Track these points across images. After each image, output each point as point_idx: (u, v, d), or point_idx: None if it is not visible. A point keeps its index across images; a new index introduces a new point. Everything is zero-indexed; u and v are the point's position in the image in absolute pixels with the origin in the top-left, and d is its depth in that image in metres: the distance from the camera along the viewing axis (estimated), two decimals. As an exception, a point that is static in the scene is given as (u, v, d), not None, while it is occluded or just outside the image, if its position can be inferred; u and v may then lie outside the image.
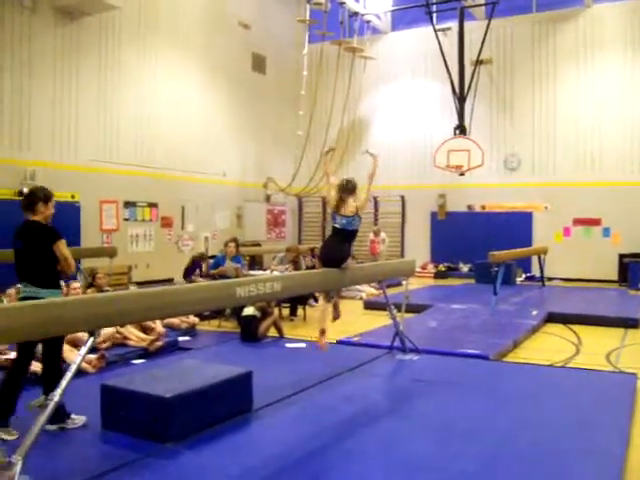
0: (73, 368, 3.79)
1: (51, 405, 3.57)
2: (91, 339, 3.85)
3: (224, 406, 5.17)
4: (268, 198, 21.24)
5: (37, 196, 5.15)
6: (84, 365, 6.39)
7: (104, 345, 7.44)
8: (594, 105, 18.75)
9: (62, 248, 5.07)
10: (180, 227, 17.63)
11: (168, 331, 8.83)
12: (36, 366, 6.46)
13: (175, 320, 9.07)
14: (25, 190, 4.98)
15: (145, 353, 7.69)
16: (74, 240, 13.96)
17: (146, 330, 8.18)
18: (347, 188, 6.56)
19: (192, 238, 17.97)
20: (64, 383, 3.68)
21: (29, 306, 3.58)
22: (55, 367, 4.95)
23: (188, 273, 12.77)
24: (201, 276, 12.28)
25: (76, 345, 6.86)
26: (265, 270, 13.15)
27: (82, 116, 14.79)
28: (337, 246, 6.56)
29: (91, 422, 5.03)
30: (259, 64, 20.94)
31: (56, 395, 3.61)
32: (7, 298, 8.22)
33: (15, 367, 4.93)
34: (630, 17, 18.32)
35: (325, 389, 6.28)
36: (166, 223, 17.09)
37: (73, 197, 14.28)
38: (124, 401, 4.90)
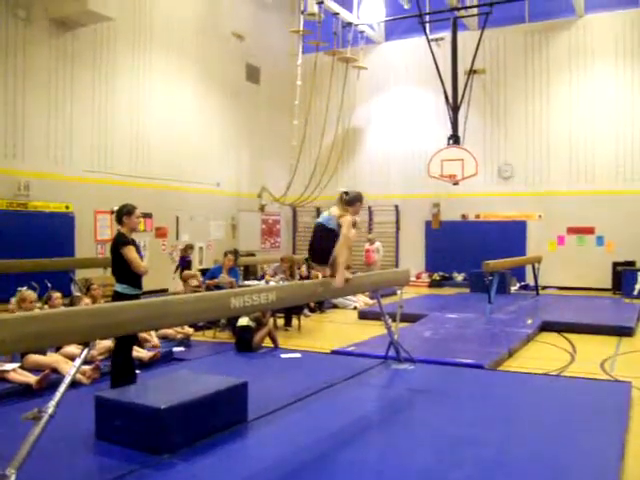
0: (67, 380, 3.78)
1: (45, 417, 3.56)
2: (85, 350, 3.84)
3: (219, 417, 5.15)
4: (262, 208, 21.24)
5: (122, 211, 6.28)
6: (78, 376, 6.37)
7: (99, 357, 7.42)
8: (587, 114, 18.85)
9: (126, 253, 6.09)
10: (174, 237, 17.62)
11: (162, 342, 8.83)
12: (29, 377, 6.46)
13: (170, 331, 9.07)
14: (115, 208, 6.41)
15: (140, 364, 7.66)
16: (68, 250, 13.95)
17: (140, 342, 8.17)
18: (345, 201, 6.47)
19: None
20: (58, 395, 3.67)
21: (25, 317, 3.57)
22: (119, 364, 6.13)
23: (181, 269, 13.32)
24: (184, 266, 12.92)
25: (72, 357, 6.87)
26: (260, 280, 13.15)
27: (76, 126, 14.79)
28: (317, 242, 6.46)
29: (85, 433, 5.01)
30: (253, 74, 20.99)
31: (50, 407, 3.60)
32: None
33: (118, 349, 6.19)
34: (622, 27, 18.45)
35: (320, 399, 6.27)
36: (160, 233, 17.07)
37: (67, 207, 14.26)
38: (118, 412, 4.88)
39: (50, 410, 3.63)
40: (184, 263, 13.61)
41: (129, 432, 4.76)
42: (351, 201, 6.50)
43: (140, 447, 4.67)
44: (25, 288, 7.94)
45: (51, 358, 6.99)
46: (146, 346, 8.37)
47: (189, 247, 14.18)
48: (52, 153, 14.26)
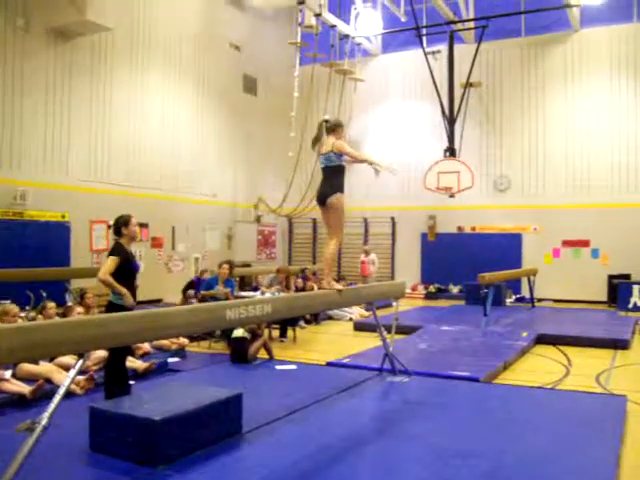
0: (62, 391, 3.76)
1: (39, 429, 3.54)
2: (80, 361, 3.83)
3: (213, 429, 5.13)
4: (259, 219, 21.26)
5: (119, 222, 6.33)
6: (72, 387, 6.34)
7: (94, 367, 7.39)
8: (582, 127, 18.96)
9: (107, 261, 6.14)
10: (170, 247, 17.60)
11: (157, 352, 8.81)
12: (23, 387, 6.43)
13: (165, 341, 9.03)
14: (111, 222, 6.62)
15: (134, 375, 7.64)
16: (63, 260, 13.93)
17: (132, 349, 8.13)
18: (326, 127, 6.75)
19: (182, 259, 17.93)
20: (52, 406, 3.65)
21: (16, 329, 3.55)
22: (113, 375, 6.13)
23: (188, 289, 12.95)
24: (195, 296, 12.24)
25: (66, 367, 6.84)
26: (256, 291, 13.12)
27: (73, 136, 14.81)
28: (321, 183, 6.74)
29: (79, 444, 4.98)
30: (250, 86, 21.06)
31: (44, 418, 3.58)
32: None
33: (112, 359, 6.19)
34: (617, 41, 18.58)
35: (315, 411, 6.25)
36: (156, 243, 17.06)
37: (63, 217, 14.25)
38: (113, 423, 4.86)
39: (44, 421, 3.61)
40: (198, 285, 13.17)
41: (124, 444, 4.74)
42: (333, 127, 6.72)
43: (135, 459, 4.65)
44: (9, 302, 7.91)
45: (44, 368, 6.96)
46: (137, 353, 8.34)
47: (204, 272, 13.79)
48: (49, 162, 14.26)
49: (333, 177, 6.64)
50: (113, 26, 14.64)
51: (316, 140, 6.85)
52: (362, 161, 6.91)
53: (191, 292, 12.78)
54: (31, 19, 13.75)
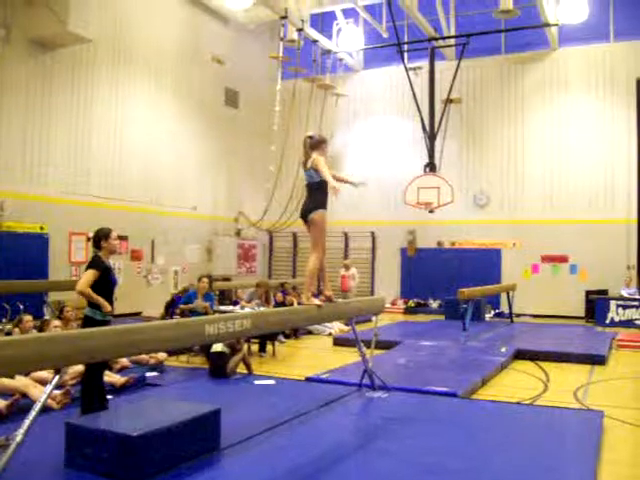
0: (37, 407, 3.71)
1: (13, 446, 3.49)
2: (57, 377, 3.79)
3: (191, 445, 5.09)
4: (239, 232, 21.21)
5: (98, 235, 6.30)
6: (49, 401, 6.26)
7: (71, 381, 7.31)
8: (561, 144, 19.19)
9: (86, 274, 6.09)
10: (150, 260, 17.50)
11: (135, 367, 8.73)
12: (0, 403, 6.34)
13: (143, 355, 8.95)
14: (91, 234, 6.68)
15: (112, 389, 7.56)
16: (42, 272, 13.79)
17: (109, 364, 8.05)
18: (309, 144, 6.77)
19: (162, 272, 17.83)
20: (27, 423, 3.60)
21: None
22: (90, 389, 6.07)
23: (169, 307, 12.70)
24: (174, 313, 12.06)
25: (42, 381, 6.76)
26: (235, 305, 13.05)
27: (53, 147, 14.73)
28: (305, 199, 6.78)
29: (54, 461, 4.91)
30: (232, 99, 21.08)
31: (19, 435, 3.54)
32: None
33: (89, 374, 6.14)
34: (593, 60, 18.88)
35: (293, 427, 6.22)
36: (136, 256, 16.95)
37: (42, 228, 14.12)
38: (89, 439, 4.79)
39: (18, 438, 3.56)
40: (177, 303, 12.95)
41: (100, 460, 4.67)
42: (315, 144, 6.76)
43: (111, 476, 4.59)
44: None
45: (20, 382, 6.85)
46: (115, 367, 8.27)
47: (186, 290, 13.62)
48: (28, 173, 14.15)
49: (316, 193, 6.66)
50: (94, 37, 14.61)
51: (306, 157, 6.83)
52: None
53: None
54: (12, 29, 13.67)
